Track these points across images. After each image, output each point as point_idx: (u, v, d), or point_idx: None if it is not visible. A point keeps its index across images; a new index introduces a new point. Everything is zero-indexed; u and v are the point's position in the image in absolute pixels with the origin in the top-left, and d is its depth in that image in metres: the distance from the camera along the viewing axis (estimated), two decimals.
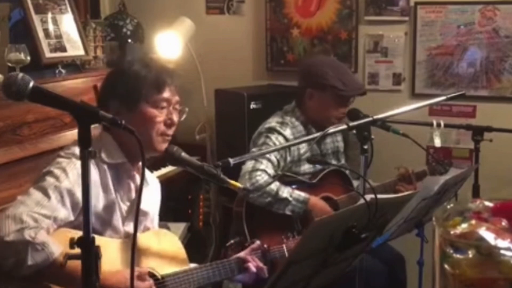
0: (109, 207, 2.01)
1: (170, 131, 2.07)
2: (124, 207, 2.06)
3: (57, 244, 1.76)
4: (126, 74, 2.06)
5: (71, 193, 1.87)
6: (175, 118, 2.07)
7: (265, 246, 2.27)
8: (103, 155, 2.00)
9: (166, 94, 2.05)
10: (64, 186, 1.86)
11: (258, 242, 2.27)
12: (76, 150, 1.92)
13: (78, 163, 1.89)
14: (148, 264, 2.03)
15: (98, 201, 1.96)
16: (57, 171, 1.90)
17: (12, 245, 1.71)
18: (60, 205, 1.85)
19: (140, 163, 2.08)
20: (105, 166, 2.01)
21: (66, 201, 1.86)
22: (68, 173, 1.89)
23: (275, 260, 2.31)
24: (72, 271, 1.68)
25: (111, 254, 1.93)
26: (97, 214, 1.95)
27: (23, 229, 1.73)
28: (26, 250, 1.71)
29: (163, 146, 2.05)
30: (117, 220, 2.03)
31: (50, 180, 1.87)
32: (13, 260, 1.72)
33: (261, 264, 2.21)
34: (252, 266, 2.17)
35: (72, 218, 1.87)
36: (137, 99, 2.01)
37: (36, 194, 1.84)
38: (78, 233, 1.48)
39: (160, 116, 2.03)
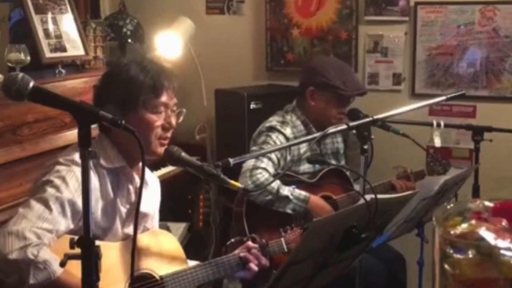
0: (109, 213, 2.00)
1: (168, 134, 2.05)
2: (124, 209, 2.05)
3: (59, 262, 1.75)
4: (123, 79, 2.01)
5: (72, 203, 1.86)
6: (173, 121, 2.05)
7: (263, 240, 2.25)
8: (102, 161, 1.98)
9: (164, 98, 2.02)
10: (65, 197, 1.85)
11: (256, 237, 2.25)
12: (76, 156, 1.92)
13: (77, 170, 1.88)
14: (147, 264, 2.03)
15: (97, 209, 1.95)
16: (57, 181, 1.87)
17: (15, 263, 1.71)
18: (61, 216, 1.84)
19: (139, 165, 2.09)
20: (104, 171, 1.99)
21: (67, 211, 1.85)
22: (68, 182, 1.88)
23: (274, 255, 2.29)
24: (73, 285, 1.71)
25: (110, 257, 1.92)
26: (96, 223, 1.93)
27: (27, 246, 1.72)
28: (29, 269, 1.71)
29: (162, 149, 2.03)
30: (117, 224, 2.03)
31: (50, 191, 1.85)
32: (16, 278, 1.72)
33: (262, 261, 2.18)
34: (254, 266, 2.15)
35: (72, 226, 1.87)
36: (135, 104, 1.98)
37: (37, 207, 1.82)
38: None
39: (158, 120, 2.01)
